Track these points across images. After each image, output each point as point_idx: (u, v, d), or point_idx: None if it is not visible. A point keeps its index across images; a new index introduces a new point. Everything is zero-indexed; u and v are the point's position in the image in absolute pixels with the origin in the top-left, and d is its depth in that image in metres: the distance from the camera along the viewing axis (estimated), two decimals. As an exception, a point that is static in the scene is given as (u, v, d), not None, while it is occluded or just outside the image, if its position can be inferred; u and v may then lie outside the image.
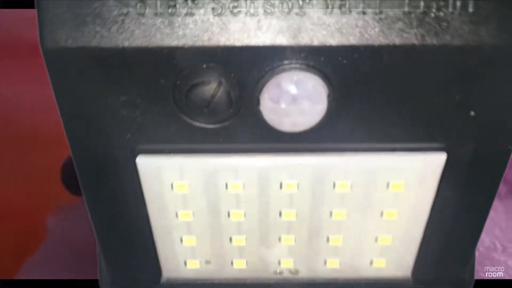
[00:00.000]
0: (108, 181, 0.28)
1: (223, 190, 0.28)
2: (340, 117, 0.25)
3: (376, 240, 0.31)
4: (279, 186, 0.28)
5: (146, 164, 0.27)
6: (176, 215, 0.29)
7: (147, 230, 0.30)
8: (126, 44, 0.23)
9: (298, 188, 0.28)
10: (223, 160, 0.27)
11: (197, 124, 0.25)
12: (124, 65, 0.23)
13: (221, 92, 0.24)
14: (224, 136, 0.26)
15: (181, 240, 0.31)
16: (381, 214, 0.29)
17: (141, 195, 0.29)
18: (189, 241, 0.31)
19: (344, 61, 0.23)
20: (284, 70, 0.23)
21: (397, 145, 0.26)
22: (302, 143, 0.26)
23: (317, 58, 0.23)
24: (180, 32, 0.23)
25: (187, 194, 0.29)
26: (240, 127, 0.25)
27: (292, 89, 0.23)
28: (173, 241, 0.31)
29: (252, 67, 0.23)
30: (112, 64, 0.23)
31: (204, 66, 0.23)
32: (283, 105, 0.24)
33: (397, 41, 0.22)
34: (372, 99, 0.24)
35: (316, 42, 0.23)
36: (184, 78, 0.23)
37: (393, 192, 0.28)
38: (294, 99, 0.24)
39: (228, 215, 0.29)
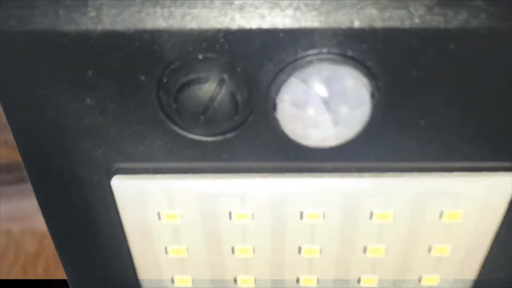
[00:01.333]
0: (75, 209, 0.24)
1: (226, 221, 0.25)
2: (386, 126, 0.21)
3: (420, 280, 0.27)
4: (299, 216, 0.24)
5: (124, 187, 0.23)
6: (166, 251, 0.26)
7: (129, 270, 0.27)
8: (92, 26, 0.19)
9: (323, 218, 0.24)
10: (225, 183, 0.23)
11: (191, 136, 0.21)
12: (90, 56, 0.19)
13: (223, 93, 0.19)
14: (227, 152, 0.22)
15: (173, 281, 0.27)
16: (429, 249, 0.26)
17: (119, 226, 0.25)
18: (183, 282, 0.27)
19: (394, 50, 0.19)
20: (311, 63, 0.19)
21: (455, 164, 0.23)
22: (332, 161, 0.23)
23: (357, 46, 0.19)
24: (167, 11, 0.19)
25: (180, 226, 0.25)
26: (249, 141, 0.21)
27: (323, 89, 0.19)
28: (161, 282, 0.28)
29: (266, 58, 0.19)
30: (73, 54, 0.19)
31: (200, 57, 0.19)
32: (310, 111, 0.19)
33: (464, 24, 0.18)
34: (428, 102, 0.20)
35: (357, 24, 0.18)
36: (173, 73, 0.19)
37: (447, 222, 0.25)
38: (325, 103, 0.19)
39: (232, 251, 0.26)
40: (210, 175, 0.23)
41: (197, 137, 0.22)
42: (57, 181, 0.24)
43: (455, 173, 0.23)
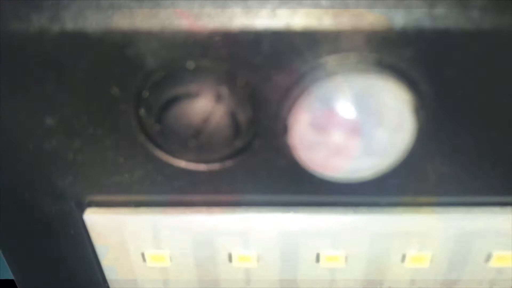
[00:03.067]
0: (44, 252, 0.22)
1: (226, 264, 0.22)
2: (432, 153, 0.18)
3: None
4: (314, 259, 0.22)
5: (100, 222, 0.21)
6: (153, 299, 0.24)
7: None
8: (48, 25, 0.16)
9: (345, 262, 0.22)
10: (224, 218, 0.21)
11: (180, 164, 0.18)
12: (46, 63, 0.16)
13: (220, 111, 0.16)
14: (226, 183, 0.19)
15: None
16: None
17: (96, 267, 0.23)
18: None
19: (447, 57, 0.15)
20: (335, 73, 0.15)
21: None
22: (358, 195, 0.20)
23: (397, 52, 0.15)
24: (146, 5, 0.15)
25: (169, 269, 0.23)
26: (253, 170, 0.19)
27: (351, 107, 0.15)
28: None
29: (276, 67, 0.16)
30: (25, 61, 0.16)
31: (191, 65, 0.16)
32: (333, 137, 0.16)
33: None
34: (489, 123, 0.17)
35: (398, 24, 0.15)
36: (156, 87, 0.16)
37: (495, 267, 0.22)
38: (354, 125, 0.15)
39: (234, 300, 0.24)
40: (205, 208, 0.21)
41: (188, 166, 0.19)
42: (21, 216, 0.21)
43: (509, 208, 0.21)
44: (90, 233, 0.21)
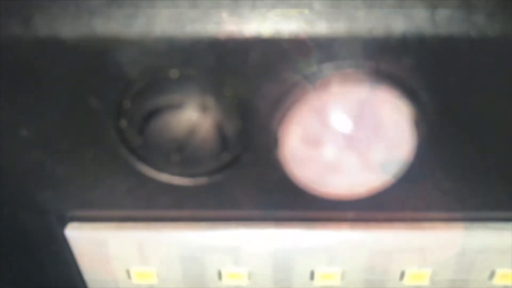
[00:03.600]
0: (24, 264, 0.21)
1: (215, 282, 0.21)
2: (433, 168, 0.17)
3: None
4: (308, 276, 0.21)
5: (82, 237, 0.20)
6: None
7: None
8: (21, 31, 0.14)
9: (342, 279, 0.21)
10: (213, 234, 0.20)
11: (165, 179, 0.17)
12: (21, 71, 0.15)
13: (206, 123, 0.15)
14: (214, 198, 0.18)
15: None
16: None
17: (81, 284, 0.22)
18: None
19: (450, 65, 0.14)
20: (329, 82, 0.14)
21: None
22: (354, 210, 0.19)
23: (397, 59, 0.14)
24: (127, 11, 0.14)
25: (156, 287, 0.21)
26: (242, 185, 0.17)
27: (347, 119, 0.14)
28: None
29: (266, 76, 0.15)
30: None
31: (174, 74, 0.15)
32: (327, 151, 0.15)
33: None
34: (495, 136, 0.16)
35: (397, 30, 0.14)
36: (137, 97, 0.15)
37: (499, 285, 0.21)
38: (350, 139, 0.14)
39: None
40: (193, 224, 0.20)
41: (173, 180, 0.17)
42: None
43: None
44: (72, 249, 0.20)
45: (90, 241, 0.20)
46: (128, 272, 0.21)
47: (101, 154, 0.17)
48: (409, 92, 0.15)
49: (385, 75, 0.14)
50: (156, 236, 0.20)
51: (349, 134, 0.14)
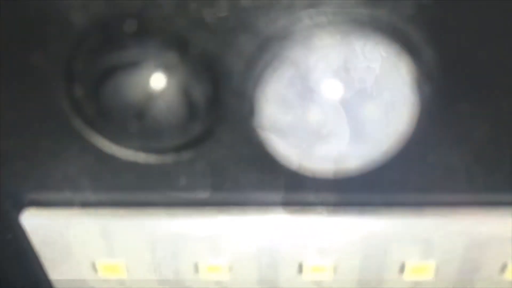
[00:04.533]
0: None
1: (192, 276, 0.20)
2: (438, 140, 0.15)
3: None
4: (296, 269, 0.20)
5: (40, 225, 0.19)
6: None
7: None
8: None
9: (334, 272, 0.20)
10: (188, 222, 0.18)
11: (126, 155, 0.16)
12: None
13: (169, 86, 0.13)
14: (184, 179, 0.16)
15: None
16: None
17: (44, 279, 0.20)
18: None
19: (457, 14, 0.12)
20: (312, 34, 0.12)
21: None
22: (346, 192, 0.17)
23: (393, 6, 0.12)
24: None
25: (125, 282, 0.20)
26: (217, 163, 0.16)
27: (334, 79, 0.12)
28: None
29: (237, 28, 0.13)
30: None
31: (132, 27, 0.13)
32: (313, 117, 0.13)
33: None
34: (510, 98, 0.14)
35: None
36: (89, 55, 0.14)
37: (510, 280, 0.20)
38: (339, 103, 0.12)
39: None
40: (164, 209, 0.18)
41: (136, 158, 0.16)
42: None
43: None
44: (30, 239, 0.19)
45: (49, 230, 0.19)
46: (93, 265, 0.19)
47: (52, 126, 0.15)
48: (409, 46, 0.13)
49: (380, 25, 0.12)
50: (123, 224, 0.18)
51: (338, 97, 0.12)
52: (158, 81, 0.13)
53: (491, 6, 0.12)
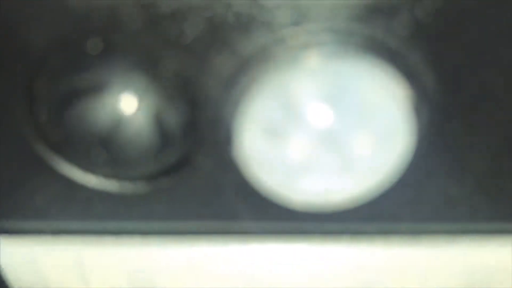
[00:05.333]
0: None
1: None
2: (437, 168, 0.14)
3: None
4: None
5: (11, 255, 0.18)
6: None
7: None
8: None
9: None
10: (166, 252, 0.17)
11: (94, 183, 0.14)
12: None
13: (138, 112, 0.12)
14: (160, 208, 0.15)
15: None
16: None
17: None
18: None
19: (461, 28, 0.11)
20: (299, 52, 0.11)
21: None
22: (335, 222, 0.16)
23: (388, 22, 0.11)
24: None
25: None
26: (194, 193, 0.14)
27: (322, 105, 0.11)
28: None
29: (215, 46, 0.12)
30: None
31: (96, 46, 0.12)
32: (297, 147, 0.11)
33: None
34: None
35: None
36: (51, 76, 0.12)
37: None
38: (326, 132, 0.11)
39: None
40: (141, 238, 0.17)
41: (105, 186, 0.15)
42: None
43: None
44: (0, 269, 0.18)
45: (21, 260, 0.17)
46: None
47: (16, 153, 0.14)
48: (406, 68, 0.11)
49: (373, 45, 0.11)
50: (97, 253, 0.17)
51: (325, 125, 0.11)
52: (127, 104, 0.12)
53: (494, 24, 0.11)
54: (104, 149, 0.13)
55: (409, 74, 0.11)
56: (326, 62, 0.11)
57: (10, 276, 0.18)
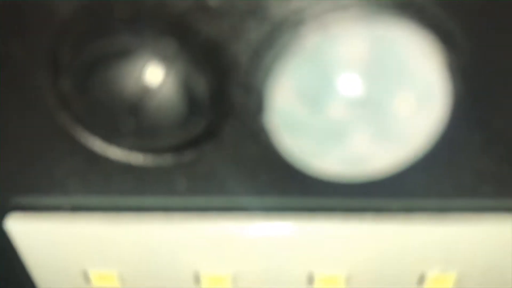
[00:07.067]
0: None
1: (192, 285, 0.19)
2: (470, 138, 0.13)
3: None
4: (306, 280, 0.19)
5: (26, 232, 0.18)
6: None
7: None
8: None
9: (347, 284, 0.18)
10: (187, 228, 0.17)
11: (117, 155, 0.14)
12: None
13: (167, 78, 0.12)
14: (184, 182, 0.15)
15: None
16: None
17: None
18: None
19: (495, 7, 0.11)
20: (331, 19, 0.11)
21: None
22: (362, 196, 0.16)
23: None
24: None
25: None
26: (221, 166, 0.14)
27: (355, 70, 0.11)
28: None
29: (246, 12, 0.11)
30: None
31: (125, 13, 0.12)
32: (330, 114, 0.11)
33: None
34: None
35: None
36: (76, 44, 0.12)
37: None
38: (359, 98, 0.11)
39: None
40: (162, 215, 0.17)
41: (128, 158, 0.14)
42: None
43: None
44: (15, 246, 0.18)
45: (36, 237, 0.17)
46: (85, 274, 0.18)
47: (37, 124, 0.14)
48: (443, 33, 0.11)
49: (409, 9, 0.11)
50: (117, 230, 0.17)
51: (360, 91, 0.11)
52: (154, 72, 0.12)
53: None
54: (130, 118, 0.13)
55: (445, 40, 0.11)
56: (362, 26, 0.11)
57: (27, 256, 0.18)
